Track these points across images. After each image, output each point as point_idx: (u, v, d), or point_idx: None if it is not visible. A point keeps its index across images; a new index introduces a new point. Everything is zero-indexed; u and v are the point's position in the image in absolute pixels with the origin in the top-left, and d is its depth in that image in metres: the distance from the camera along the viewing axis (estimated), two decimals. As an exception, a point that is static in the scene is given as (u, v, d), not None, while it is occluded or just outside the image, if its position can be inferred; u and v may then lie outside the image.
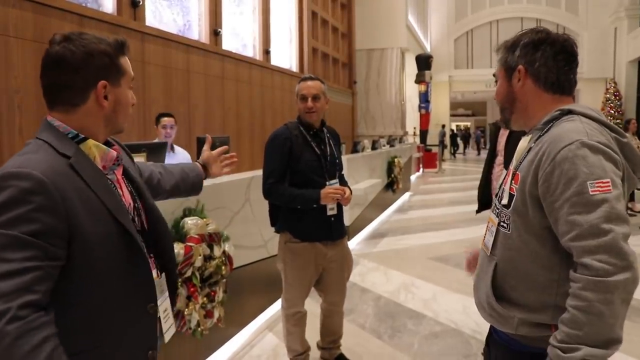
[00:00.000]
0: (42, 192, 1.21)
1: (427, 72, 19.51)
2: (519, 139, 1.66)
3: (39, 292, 1.18)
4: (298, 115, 3.18)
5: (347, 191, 3.14)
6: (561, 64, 1.55)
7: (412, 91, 21.01)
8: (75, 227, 1.25)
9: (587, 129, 1.42)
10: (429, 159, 19.02)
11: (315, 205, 3.04)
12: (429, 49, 25.28)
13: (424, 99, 20.02)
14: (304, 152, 3.06)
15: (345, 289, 3.41)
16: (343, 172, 3.40)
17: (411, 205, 10.92)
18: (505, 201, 1.54)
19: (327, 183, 3.10)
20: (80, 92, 1.35)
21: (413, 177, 14.80)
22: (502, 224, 1.55)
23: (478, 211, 3.84)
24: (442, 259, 6.11)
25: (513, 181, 1.52)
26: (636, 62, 21.58)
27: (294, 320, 3.24)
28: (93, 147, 1.38)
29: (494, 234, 1.58)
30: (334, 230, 3.18)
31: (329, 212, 3.12)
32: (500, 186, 1.65)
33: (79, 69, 1.33)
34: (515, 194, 1.50)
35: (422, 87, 19.86)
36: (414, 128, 21.05)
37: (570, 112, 1.50)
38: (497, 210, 1.59)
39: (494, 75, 1.71)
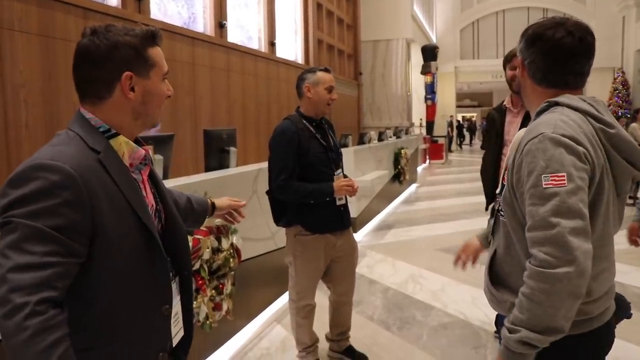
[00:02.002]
0: (70, 187, 1.20)
1: (432, 63, 19.41)
2: None
3: (57, 288, 1.17)
4: (297, 108, 3.18)
5: (356, 182, 3.16)
6: (549, 62, 1.55)
7: (418, 82, 20.93)
8: (99, 224, 1.24)
9: (559, 121, 1.45)
10: (435, 150, 18.96)
11: (328, 198, 3.06)
12: (434, 40, 25.14)
13: (430, 90, 19.94)
14: (311, 145, 3.06)
15: (354, 279, 3.40)
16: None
17: (418, 197, 10.89)
18: (498, 190, 1.65)
19: (335, 173, 3.12)
20: (106, 85, 1.34)
21: (419, 169, 14.76)
22: (500, 211, 1.61)
23: (488, 205, 3.63)
24: (450, 250, 6.08)
25: (506, 171, 1.57)
26: (644, 51, 21.39)
27: (304, 312, 3.23)
28: (123, 144, 1.36)
29: (495, 222, 1.68)
30: (345, 219, 3.22)
31: (339, 202, 3.15)
32: None
33: (103, 62, 1.32)
34: (505, 183, 1.56)
35: (428, 78, 19.78)
36: (420, 119, 20.98)
37: (556, 103, 1.53)
38: (498, 199, 1.65)
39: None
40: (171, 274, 1.49)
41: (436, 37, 26.40)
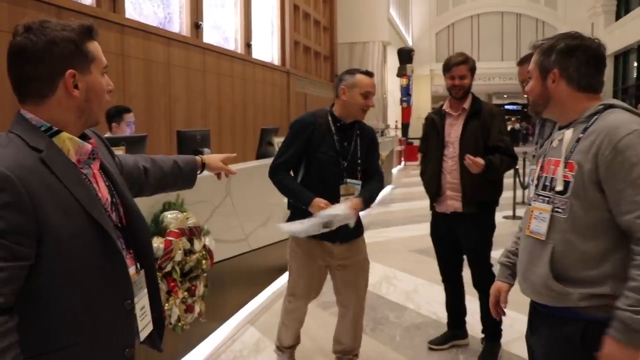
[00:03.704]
0: (7, 189, 1.16)
1: (408, 65, 19.58)
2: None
3: (3, 294, 1.14)
4: (332, 105, 3.02)
5: (355, 202, 2.84)
6: (592, 69, 1.74)
7: (393, 85, 21.07)
8: (44, 224, 1.21)
9: (636, 120, 1.63)
10: (410, 152, 19.10)
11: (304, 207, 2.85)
12: (410, 43, 25.35)
13: (406, 92, 20.12)
14: (324, 142, 2.91)
15: (360, 294, 3.15)
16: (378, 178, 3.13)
17: (393, 198, 10.96)
18: (560, 188, 1.69)
19: (346, 181, 2.93)
20: (48, 83, 1.30)
21: (395, 170, 14.86)
22: (557, 209, 1.70)
23: (433, 206, 3.60)
24: (424, 251, 6.11)
25: (567, 169, 1.68)
26: (612, 57, 21.88)
27: (293, 316, 3.15)
28: (67, 140, 1.33)
29: (547, 220, 1.72)
30: (344, 232, 2.90)
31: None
32: (540, 177, 1.81)
33: (42, 59, 1.28)
34: (571, 180, 1.66)
35: (404, 81, 19.95)
36: (396, 121, 21.11)
37: (611, 106, 1.70)
38: (548, 198, 1.74)
39: (528, 72, 1.85)
40: (137, 266, 1.47)
41: (412, 40, 26.62)
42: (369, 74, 2.98)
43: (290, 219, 3.00)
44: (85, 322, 1.30)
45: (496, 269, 3.47)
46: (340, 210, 2.77)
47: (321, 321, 3.01)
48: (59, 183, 1.26)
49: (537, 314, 1.83)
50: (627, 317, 1.51)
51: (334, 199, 2.85)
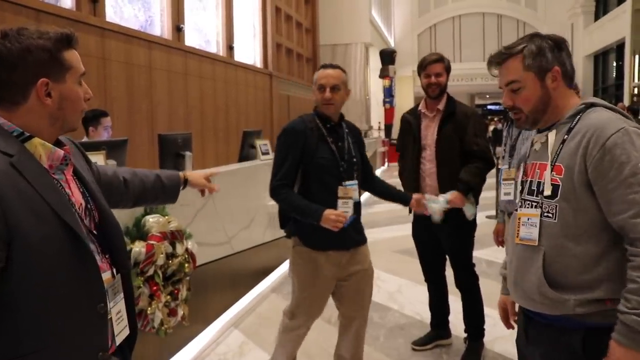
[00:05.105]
0: None
1: (391, 66, 19.67)
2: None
3: None
4: (315, 107, 2.85)
5: (347, 217, 2.69)
6: (572, 64, 1.74)
7: (376, 86, 21.14)
8: (14, 227, 1.21)
9: (620, 118, 1.60)
10: (393, 153, 19.16)
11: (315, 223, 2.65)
12: (392, 44, 25.47)
13: (388, 93, 20.19)
14: (318, 148, 2.73)
15: (365, 305, 2.98)
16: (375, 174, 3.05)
17: (376, 200, 10.92)
18: (549, 192, 1.64)
19: (344, 184, 2.77)
20: (20, 90, 1.31)
21: (378, 171, 14.89)
22: (546, 214, 1.66)
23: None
24: (407, 251, 6.13)
25: (554, 172, 1.64)
26: (592, 57, 22.17)
27: (292, 335, 2.92)
28: (39, 146, 1.33)
29: (537, 225, 1.67)
30: (347, 238, 2.78)
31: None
32: (525, 182, 1.76)
33: (15, 66, 1.29)
34: (560, 183, 1.62)
35: (386, 82, 20.03)
36: (379, 122, 21.18)
37: (592, 104, 1.67)
38: (535, 203, 1.69)
39: (508, 84, 1.72)
40: (113, 271, 1.47)
41: (394, 41, 26.74)
42: (327, 66, 2.82)
43: (297, 232, 2.83)
44: (56, 326, 1.30)
45: (478, 268, 3.56)
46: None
47: (314, 325, 3.00)
48: (30, 187, 1.26)
49: (533, 324, 1.77)
50: (631, 320, 1.48)
51: (333, 203, 2.72)
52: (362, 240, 2.92)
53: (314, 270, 2.78)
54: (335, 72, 2.78)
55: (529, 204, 1.71)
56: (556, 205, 1.62)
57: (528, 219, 1.70)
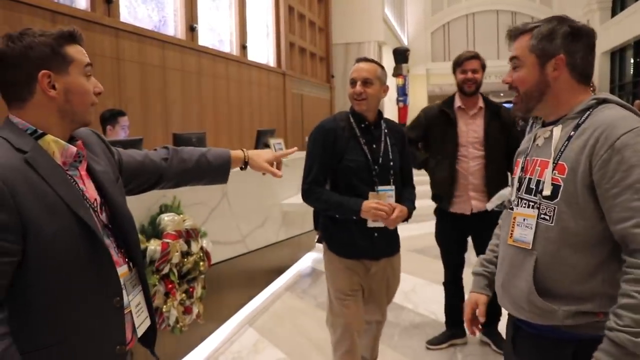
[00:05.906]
0: None
1: (404, 65, 19.58)
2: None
3: None
4: (352, 105, 2.72)
5: (398, 209, 2.57)
6: (592, 58, 1.58)
7: (390, 84, 21.04)
8: (28, 221, 1.24)
9: (633, 116, 1.46)
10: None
11: (355, 217, 2.55)
12: (406, 42, 25.36)
13: (402, 92, 20.10)
14: (348, 149, 2.58)
15: (384, 308, 2.92)
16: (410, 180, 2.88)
17: (390, 198, 10.93)
18: (548, 192, 1.50)
19: (377, 189, 2.59)
20: (26, 86, 1.35)
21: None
22: (543, 216, 1.52)
23: (441, 207, 3.55)
24: (422, 250, 6.13)
25: (555, 171, 1.50)
26: (608, 54, 21.92)
27: (341, 354, 2.73)
28: (52, 143, 1.36)
29: (533, 227, 1.54)
30: (377, 248, 2.64)
31: (371, 224, 2.59)
32: (522, 179, 1.63)
33: (19, 65, 1.33)
34: (561, 184, 1.48)
35: (400, 81, 19.93)
36: (393, 121, 21.09)
37: (605, 100, 1.52)
38: (533, 203, 1.55)
39: (512, 59, 1.63)
40: (129, 265, 1.49)
41: (407, 39, 26.63)
42: (360, 60, 2.71)
43: (325, 238, 2.75)
44: (73, 319, 1.32)
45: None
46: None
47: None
48: (44, 183, 1.29)
49: (522, 333, 1.65)
50: (623, 339, 1.33)
51: None
52: (392, 251, 2.79)
53: (343, 276, 2.67)
54: (368, 65, 2.65)
55: (525, 203, 1.58)
56: (555, 208, 1.49)
57: (524, 220, 1.57)
